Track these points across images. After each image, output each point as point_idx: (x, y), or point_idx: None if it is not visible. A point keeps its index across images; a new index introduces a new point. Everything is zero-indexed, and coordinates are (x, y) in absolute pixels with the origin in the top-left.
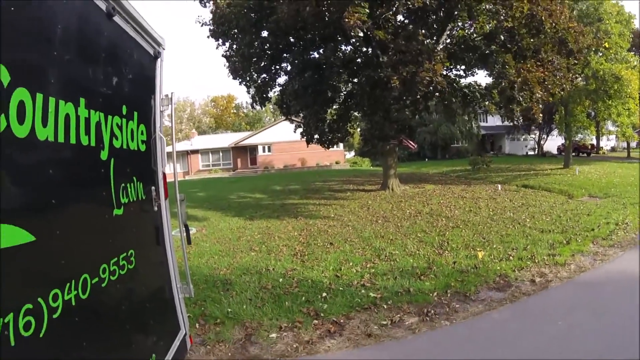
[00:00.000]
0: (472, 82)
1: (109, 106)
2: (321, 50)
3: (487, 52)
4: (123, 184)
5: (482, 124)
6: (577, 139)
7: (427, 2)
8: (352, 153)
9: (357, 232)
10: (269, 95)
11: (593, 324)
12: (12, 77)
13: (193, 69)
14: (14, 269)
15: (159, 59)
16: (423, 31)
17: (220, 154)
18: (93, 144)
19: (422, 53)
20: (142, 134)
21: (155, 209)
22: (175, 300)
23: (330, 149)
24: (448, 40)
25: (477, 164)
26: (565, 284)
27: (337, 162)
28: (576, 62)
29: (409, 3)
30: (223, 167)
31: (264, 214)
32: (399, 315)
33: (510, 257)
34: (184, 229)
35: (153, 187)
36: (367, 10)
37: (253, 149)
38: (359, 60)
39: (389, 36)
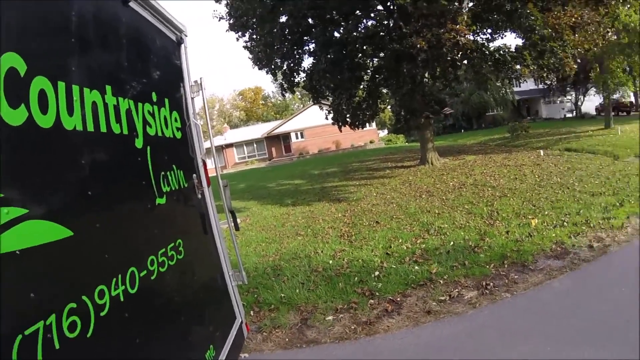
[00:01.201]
0: (502, 45)
1: (138, 93)
2: (341, 29)
3: (511, 8)
4: (163, 172)
5: (515, 89)
6: (614, 97)
7: None
8: (385, 131)
9: (402, 209)
10: (296, 80)
11: None
12: (28, 66)
13: (216, 65)
14: (53, 267)
15: (182, 45)
16: None
17: (255, 145)
18: (126, 132)
19: (445, 14)
20: (175, 120)
21: (199, 196)
22: (228, 289)
23: (363, 129)
24: (471, 4)
25: (515, 131)
26: (625, 248)
27: (371, 142)
28: (607, 11)
29: None
30: (259, 157)
31: (305, 198)
32: (457, 290)
33: (564, 224)
34: (230, 215)
35: (194, 175)
36: None
37: (286, 136)
38: (382, 33)
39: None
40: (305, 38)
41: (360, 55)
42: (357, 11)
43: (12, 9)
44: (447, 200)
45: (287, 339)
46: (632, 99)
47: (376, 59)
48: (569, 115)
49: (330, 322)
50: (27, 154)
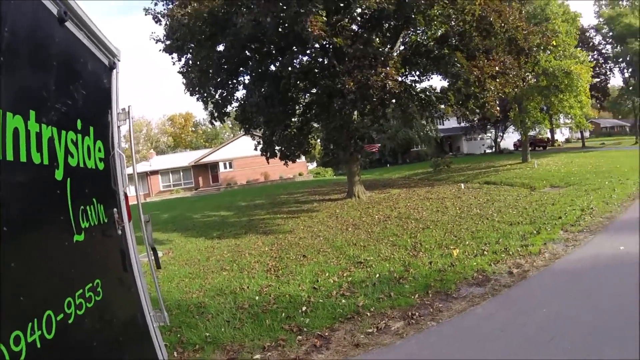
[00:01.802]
0: (428, 87)
1: (62, 120)
2: (277, 63)
3: (439, 54)
4: (82, 207)
5: (439, 126)
6: (532, 133)
7: (384, 6)
8: (314, 164)
9: (329, 242)
10: (227, 110)
11: (577, 308)
12: None
13: (147, 87)
14: None
15: (114, 70)
16: (377, 39)
17: (181, 173)
18: (46, 162)
19: (377, 58)
20: (99, 151)
21: (119, 232)
22: (149, 330)
23: (294, 163)
24: (402, 48)
25: (438, 166)
26: (543, 272)
27: (300, 174)
28: (527, 60)
29: (365, 5)
30: (185, 186)
31: (231, 231)
32: (384, 322)
33: (485, 252)
34: (151, 252)
35: (115, 209)
36: (325, 18)
37: (214, 166)
38: (316, 70)
39: (347, 42)
40: (241, 69)
41: (293, 89)
42: (294, 47)
43: None
44: (373, 232)
45: None
46: (549, 134)
47: (308, 95)
48: (488, 150)
49: None
50: None
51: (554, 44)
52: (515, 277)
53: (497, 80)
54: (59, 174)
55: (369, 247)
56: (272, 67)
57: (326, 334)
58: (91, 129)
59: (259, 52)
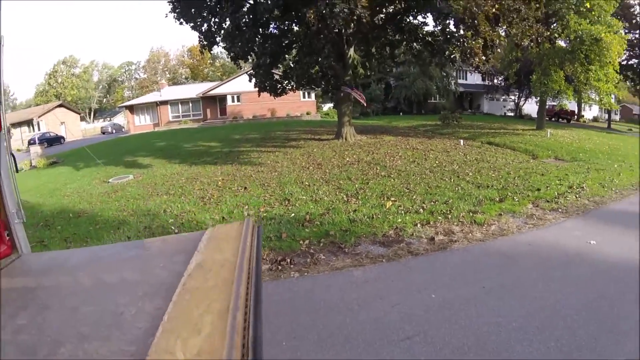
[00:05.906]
0: (435, 30)
1: None
2: None
3: None
4: None
5: (461, 81)
6: (555, 103)
7: None
8: (332, 104)
9: (280, 178)
10: (216, 40)
11: (472, 302)
12: None
13: (164, 17)
14: None
15: None
16: None
17: (190, 104)
18: None
19: None
20: None
21: None
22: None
23: (278, 97)
24: None
25: (446, 119)
26: (471, 248)
27: (307, 113)
28: (538, 5)
29: None
30: (193, 117)
31: (205, 160)
32: None
33: (421, 210)
34: (11, 158)
35: None
36: None
37: (222, 98)
38: None
39: None
40: None
41: (267, 17)
42: None
43: None
44: (329, 174)
45: None
46: (575, 108)
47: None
48: (510, 114)
49: None
50: None
51: (588, 6)
52: (434, 245)
53: (498, 25)
54: None
55: (312, 187)
56: None
57: None
58: None
59: None
